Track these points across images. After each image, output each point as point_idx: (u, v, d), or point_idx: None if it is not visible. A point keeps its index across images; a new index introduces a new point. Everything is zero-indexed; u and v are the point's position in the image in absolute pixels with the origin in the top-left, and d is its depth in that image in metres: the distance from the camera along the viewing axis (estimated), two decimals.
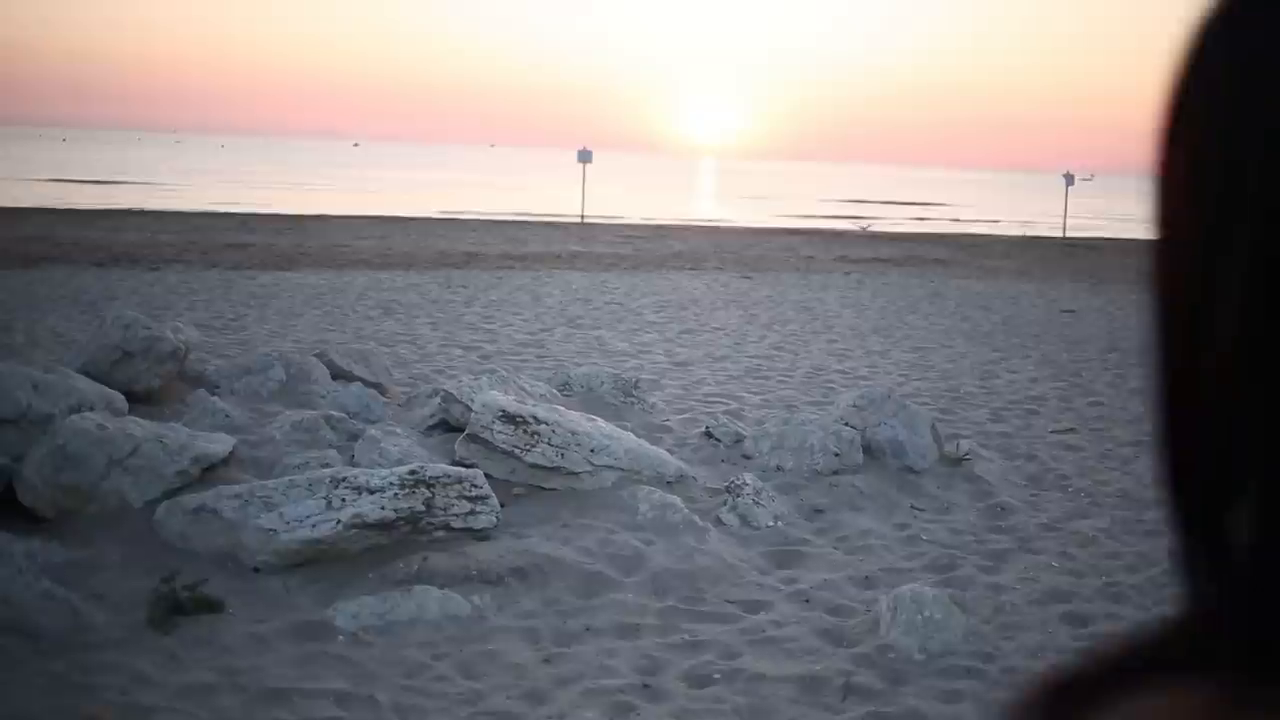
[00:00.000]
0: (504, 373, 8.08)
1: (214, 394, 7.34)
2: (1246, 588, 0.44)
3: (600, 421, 6.54)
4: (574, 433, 6.12)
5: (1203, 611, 0.46)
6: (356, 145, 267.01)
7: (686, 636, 4.74)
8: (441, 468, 5.45)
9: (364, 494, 5.19)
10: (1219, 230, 0.43)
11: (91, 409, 6.34)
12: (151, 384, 7.29)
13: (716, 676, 4.38)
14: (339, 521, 5.09)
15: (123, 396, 6.79)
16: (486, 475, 5.78)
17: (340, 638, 4.52)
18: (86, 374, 6.99)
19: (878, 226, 41.03)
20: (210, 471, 5.79)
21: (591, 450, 6.11)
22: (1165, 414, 0.47)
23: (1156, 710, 0.46)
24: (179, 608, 4.58)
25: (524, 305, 14.97)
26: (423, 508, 5.24)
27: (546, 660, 4.46)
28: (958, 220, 50.61)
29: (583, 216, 36.21)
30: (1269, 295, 0.41)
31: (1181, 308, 0.45)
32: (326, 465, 5.95)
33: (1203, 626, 0.46)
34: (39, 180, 50.24)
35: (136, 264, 17.81)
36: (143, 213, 30.65)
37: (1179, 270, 0.45)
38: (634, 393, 8.10)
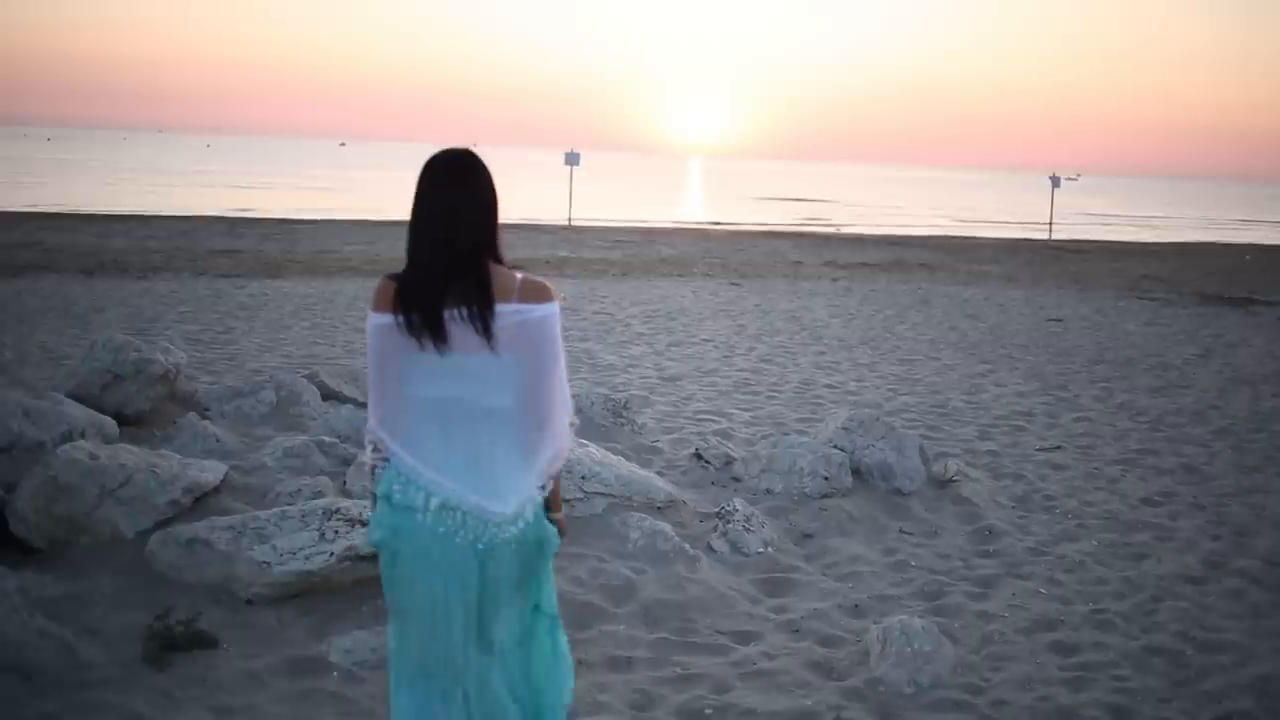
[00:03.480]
0: None
1: (204, 417, 7.35)
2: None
3: (591, 447, 6.57)
4: None
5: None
6: (343, 145, 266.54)
7: (679, 670, 4.77)
8: None
9: (357, 526, 5.20)
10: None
11: (83, 435, 6.35)
12: (142, 407, 7.29)
13: (708, 712, 4.42)
14: (332, 554, 5.11)
15: (114, 421, 6.79)
16: None
17: (334, 674, 4.54)
18: (76, 398, 7.00)
19: (865, 229, 41.10)
20: (202, 500, 5.80)
21: (582, 477, 6.14)
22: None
23: (381, 286, 3.12)
24: (173, 644, 4.60)
25: None
26: None
27: None
28: (943, 222, 50.74)
29: (570, 220, 36.23)
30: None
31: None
32: (319, 493, 5.97)
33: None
34: (25, 182, 50.06)
35: (125, 272, 17.79)
36: (130, 217, 30.57)
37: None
38: (624, 413, 8.13)
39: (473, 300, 3.04)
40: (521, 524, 3.14)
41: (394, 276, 3.13)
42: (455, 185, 3.13)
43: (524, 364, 3.09)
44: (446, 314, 3.04)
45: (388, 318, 3.08)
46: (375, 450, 3.18)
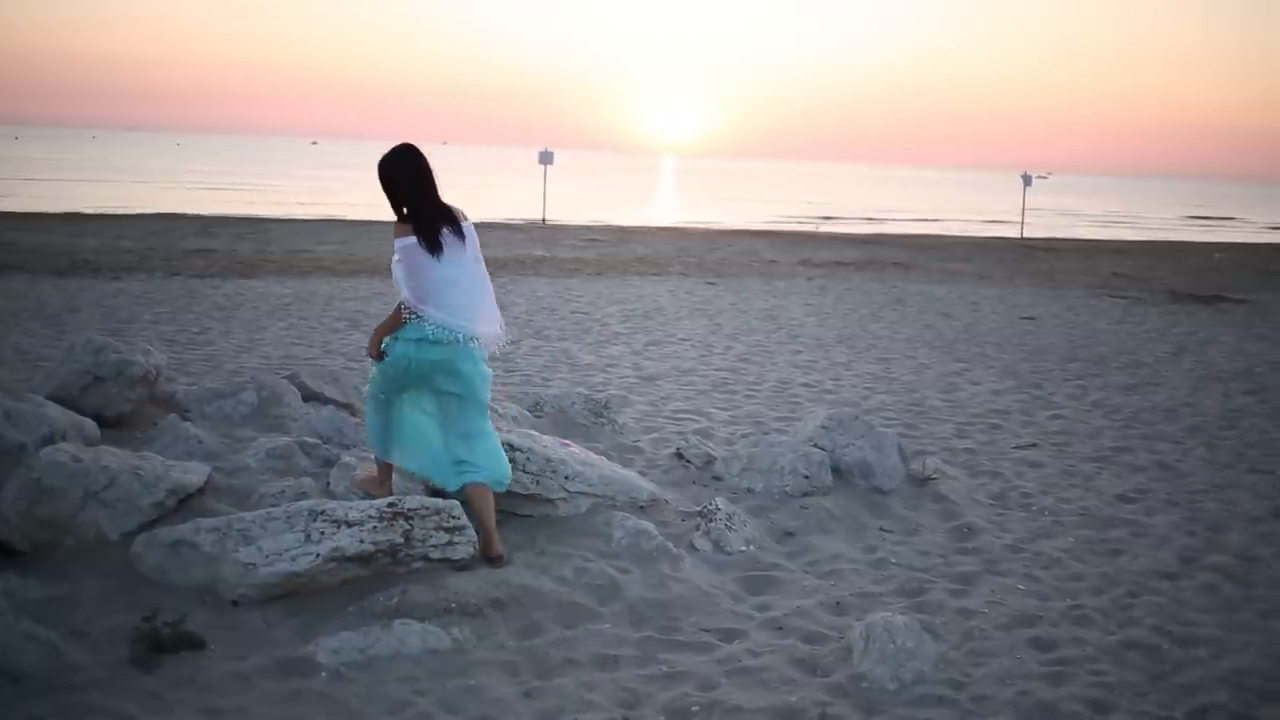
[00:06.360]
0: None
1: (185, 418, 7.34)
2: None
3: (575, 447, 6.60)
4: (549, 460, 6.18)
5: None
6: (315, 143, 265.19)
7: (664, 668, 4.81)
8: (419, 499, 5.49)
9: (343, 527, 5.22)
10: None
11: (64, 438, 6.34)
12: (122, 409, 7.26)
13: (695, 709, 4.46)
14: (318, 555, 5.13)
15: (94, 423, 6.78)
16: (461, 501, 5.83)
17: (323, 674, 4.56)
18: (56, 399, 6.98)
19: (839, 228, 41.28)
20: (186, 502, 5.81)
21: (566, 477, 6.17)
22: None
23: (399, 227, 5.51)
24: (161, 645, 4.61)
25: None
26: (401, 540, 5.29)
27: (527, 694, 4.52)
28: (919, 220, 51.00)
29: (544, 219, 36.22)
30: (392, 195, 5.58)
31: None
32: (303, 494, 5.98)
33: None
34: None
35: (98, 273, 17.69)
36: (102, 216, 30.37)
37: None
38: (604, 413, 8.17)
39: (452, 223, 5.54)
40: (495, 343, 5.69)
41: (404, 219, 5.49)
42: (425, 164, 5.58)
43: (474, 251, 5.61)
44: (445, 230, 5.50)
45: (411, 239, 5.45)
46: (408, 310, 5.45)
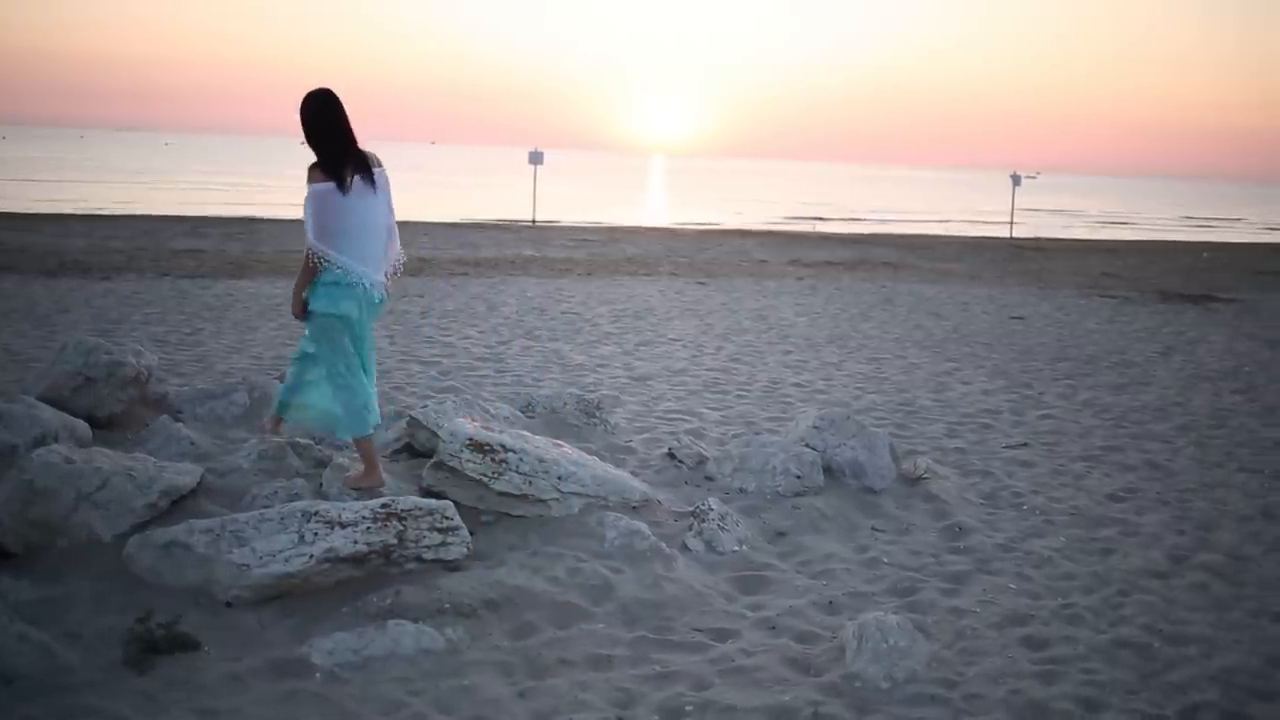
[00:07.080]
0: (468, 395, 8.14)
1: (177, 419, 7.33)
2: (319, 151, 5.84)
3: (567, 448, 6.61)
4: (541, 460, 6.19)
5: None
6: (304, 143, 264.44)
7: (658, 668, 4.83)
8: (413, 500, 5.50)
9: (336, 528, 5.23)
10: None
11: (56, 439, 6.33)
12: (114, 410, 7.26)
13: (689, 709, 4.48)
14: (312, 556, 5.13)
15: (86, 424, 6.78)
16: (454, 502, 5.84)
17: (317, 675, 4.56)
18: (47, 400, 6.97)
19: (830, 228, 41.35)
20: (179, 503, 5.80)
21: (559, 478, 6.18)
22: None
23: (312, 171, 5.73)
24: (155, 646, 4.61)
25: (480, 316, 15.00)
26: (395, 540, 5.30)
27: (521, 694, 4.53)
28: (910, 220, 51.09)
29: (534, 220, 36.23)
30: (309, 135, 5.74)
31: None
32: (295, 495, 5.98)
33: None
34: None
35: (87, 273, 17.63)
36: (91, 216, 30.29)
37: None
38: (596, 414, 8.18)
39: (362, 169, 5.77)
40: (384, 289, 5.98)
41: (317, 165, 5.69)
42: (339, 108, 5.74)
43: (385, 201, 5.91)
44: (355, 178, 5.70)
45: (327, 184, 5.68)
46: (316, 255, 5.71)
